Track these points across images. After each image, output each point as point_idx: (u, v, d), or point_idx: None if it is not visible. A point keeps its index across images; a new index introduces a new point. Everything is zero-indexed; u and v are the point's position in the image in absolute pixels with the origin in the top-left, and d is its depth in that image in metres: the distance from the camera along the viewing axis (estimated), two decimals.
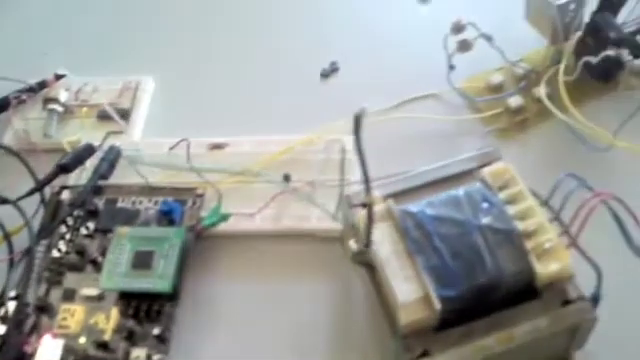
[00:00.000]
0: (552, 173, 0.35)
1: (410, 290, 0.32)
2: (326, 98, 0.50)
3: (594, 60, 0.41)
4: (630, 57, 0.39)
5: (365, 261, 0.34)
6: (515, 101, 0.46)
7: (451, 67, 0.46)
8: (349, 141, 0.46)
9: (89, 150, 0.46)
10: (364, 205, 0.35)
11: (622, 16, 0.47)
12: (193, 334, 0.40)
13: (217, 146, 0.46)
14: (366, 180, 0.27)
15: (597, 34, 0.43)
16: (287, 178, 0.44)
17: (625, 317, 0.37)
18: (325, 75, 0.51)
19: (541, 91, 0.44)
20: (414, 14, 0.55)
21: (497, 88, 0.48)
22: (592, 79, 0.44)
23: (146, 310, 0.39)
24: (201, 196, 0.43)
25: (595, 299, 0.34)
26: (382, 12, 0.55)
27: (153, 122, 0.51)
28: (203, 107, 0.51)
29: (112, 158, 0.46)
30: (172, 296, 0.40)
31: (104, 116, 0.50)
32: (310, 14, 0.57)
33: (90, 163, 0.46)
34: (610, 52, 0.40)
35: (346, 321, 0.40)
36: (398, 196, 0.36)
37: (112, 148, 0.46)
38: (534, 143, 0.45)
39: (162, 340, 0.38)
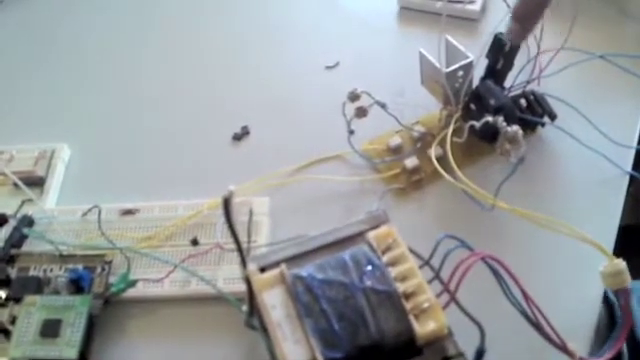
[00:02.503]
0: (443, 230, 0.38)
1: (299, 353, 0.34)
2: (237, 161, 0.52)
3: (477, 125, 0.44)
4: (504, 124, 0.42)
5: (254, 326, 0.35)
6: (411, 162, 0.49)
7: (351, 132, 0.49)
8: (257, 203, 0.48)
9: (1, 219, 0.47)
10: (262, 270, 0.37)
11: (511, 78, 0.51)
12: None
13: (128, 212, 0.48)
14: (241, 255, 0.29)
15: (479, 101, 0.46)
16: (195, 242, 0.46)
17: None
18: (237, 138, 0.54)
19: (432, 153, 0.47)
20: (321, 79, 0.58)
21: (396, 150, 0.50)
22: (480, 140, 0.47)
23: None
24: (109, 263, 0.45)
25: (480, 353, 0.36)
26: (292, 77, 0.58)
27: (69, 188, 0.52)
28: (117, 172, 0.53)
29: (25, 227, 0.47)
30: None
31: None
32: (222, 79, 0.59)
33: (5, 231, 0.47)
34: (489, 118, 0.43)
35: None
36: (294, 260, 0.38)
37: (25, 217, 0.48)
38: (428, 202, 0.48)
39: None
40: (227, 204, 0.28)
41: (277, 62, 0.60)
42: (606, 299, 0.43)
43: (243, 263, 0.30)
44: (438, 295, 0.36)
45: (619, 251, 0.43)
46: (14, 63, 0.63)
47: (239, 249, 0.30)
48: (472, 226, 0.45)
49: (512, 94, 0.50)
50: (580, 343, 0.39)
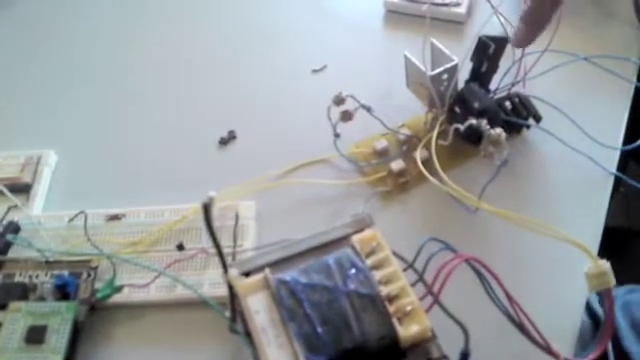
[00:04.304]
0: (428, 233, 0.38)
1: (283, 357, 0.34)
2: (223, 165, 0.52)
3: (462, 127, 0.44)
4: (488, 126, 0.42)
5: (237, 331, 0.35)
6: (397, 165, 0.49)
7: (336, 135, 0.49)
8: (244, 207, 0.48)
9: None
10: (246, 274, 0.37)
11: (497, 81, 0.51)
12: None
13: (114, 217, 0.48)
14: (222, 261, 0.29)
15: (464, 104, 0.46)
16: (180, 247, 0.46)
17: None
18: (223, 143, 0.54)
19: (417, 155, 0.47)
20: (308, 83, 0.58)
21: (382, 153, 0.50)
22: (465, 143, 0.47)
23: None
24: (95, 268, 0.45)
25: (464, 356, 0.36)
26: (278, 81, 0.58)
27: (55, 195, 0.52)
28: (104, 178, 0.53)
29: (10, 233, 0.47)
30: None
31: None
32: (209, 83, 0.59)
33: None
34: (472, 121, 0.43)
35: None
36: (278, 264, 0.38)
37: (11, 223, 0.48)
38: (414, 204, 0.48)
39: None
40: (207, 210, 0.28)
41: (264, 66, 0.60)
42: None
43: (224, 269, 0.30)
44: (422, 298, 0.36)
45: (607, 252, 0.43)
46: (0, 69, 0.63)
47: (220, 255, 0.30)
48: (457, 228, 0.45)
49: (497, 96, 0.50)
50: (564, 344, 0.39)
